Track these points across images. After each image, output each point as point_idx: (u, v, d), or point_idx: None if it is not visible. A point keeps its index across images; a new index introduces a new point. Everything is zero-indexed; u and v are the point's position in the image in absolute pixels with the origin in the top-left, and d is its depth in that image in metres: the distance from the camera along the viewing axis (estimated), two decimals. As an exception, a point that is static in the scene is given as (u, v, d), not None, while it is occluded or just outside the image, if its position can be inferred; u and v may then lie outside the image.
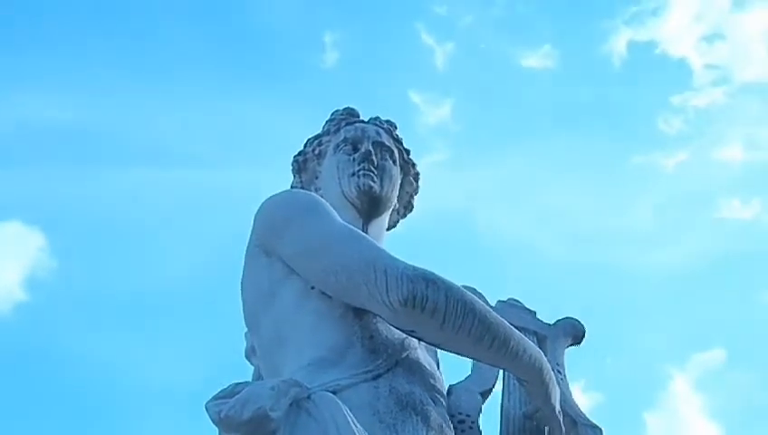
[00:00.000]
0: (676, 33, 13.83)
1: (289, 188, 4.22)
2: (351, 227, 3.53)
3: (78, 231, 13.03)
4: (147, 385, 12.27)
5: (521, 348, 3.33)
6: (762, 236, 13.27)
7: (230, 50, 14.03)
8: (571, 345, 4.02)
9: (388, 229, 4.14)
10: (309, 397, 3.00)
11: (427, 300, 3.13)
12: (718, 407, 12.99)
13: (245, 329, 3.83)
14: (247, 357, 3.98)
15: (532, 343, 3.42)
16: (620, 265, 12.72)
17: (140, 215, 12.87)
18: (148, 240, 12.91)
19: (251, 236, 3.66)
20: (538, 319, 4.05)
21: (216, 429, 3.07)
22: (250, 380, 3.87)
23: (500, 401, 3.78)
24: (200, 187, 12.52)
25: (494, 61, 14.08)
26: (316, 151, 4.18)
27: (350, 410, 2.96)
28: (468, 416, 3.60)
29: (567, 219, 12.60)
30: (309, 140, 4.27)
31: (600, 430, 3.68)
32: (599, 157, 13.29)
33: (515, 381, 3.68)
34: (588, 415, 3.79)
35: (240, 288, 3.69)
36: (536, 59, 13.86)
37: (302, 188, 4.16)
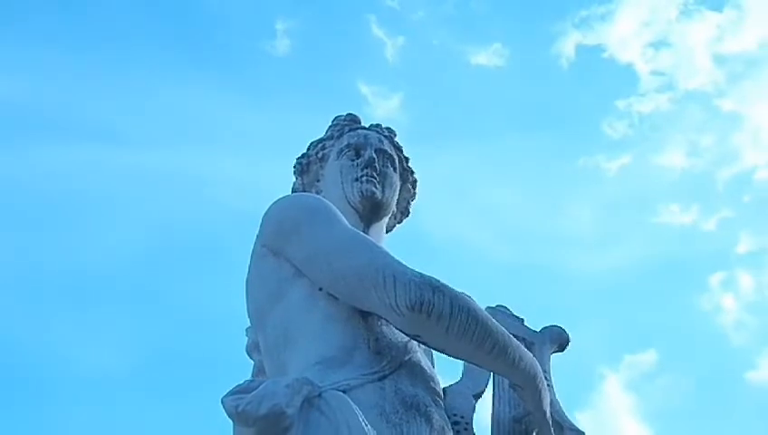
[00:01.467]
0: (623, 39, 14.10)
1: (290, 189, 4.36)
2: (361, 232, 3.68)
3: (9, 208, 12.84)
4: (77, 368, 12.20)
5: (517, 355, 3.49)
6: (699, 241, 13.67)
7: (180, 32, 13.98)
8: (556, 352, 4.20)
9: (385, 233, 4.27)
10: (320, 395, 3.14)
11: (433, 306, 3.28)
12: (648, 408, 13.31)
13: (248, 325, 3.95)
14: (248, 353, 4.08)
15: (527, 351, 3.58)
16: (559, 266, 12.94)
17: (77, 194, 12.73)
18: (83, 220, 12.78)
19: (258, 236, 3.78)
20: (526, 326, 4.21)
21: (232, 423, 3.16)
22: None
23: (491, 405, 3.94)
24: (142, 168, 12.45)
25: (445, 57, 14.24)
26: (319, 155, 4.30)
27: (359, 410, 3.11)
28: (462, 417, 3.74)
29: (508, 218, 12.79)
30: (312, 143, 4.39)
31: (584, 434, 3.86)
32: (543, 157, 13.47)
33: (505, 386, 3.85)
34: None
35: (245, 286, 3.81)
36: (486, 57, 14.03)
37: (304, 189, 4.29)
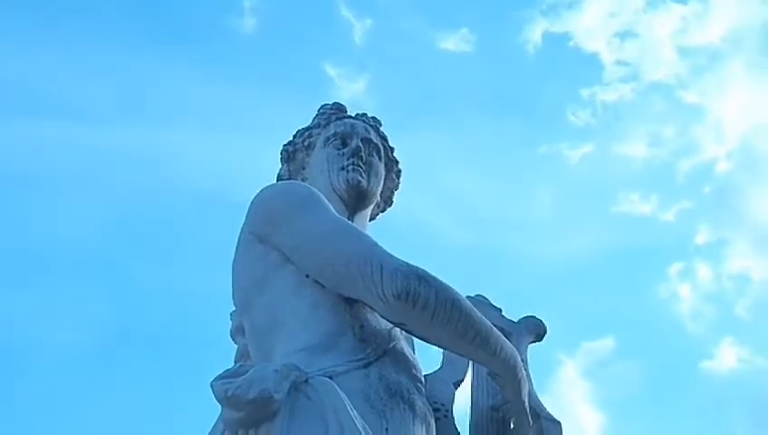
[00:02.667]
0: (590, 28, 14.15)
1: (276, 176, 4.41)
2: (349, 222, 3.74)
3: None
4: (39, 344, 12.13)
5: (499, 345, 3.58)
6: (657, 231, 13.80)
7: (145, 6, 13.80)
8: (533, 342, 4.29)
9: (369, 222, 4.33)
10: (307, 381, 3.20)
11: (419, 295, 3.36)
12: (604, 395, 13.46)
13: (233, 308, 4.00)
14: (232, 336, 4.12)
15: (507, 341, 3.67)
16: (519, 252, 13.00)
17: (37, 168, 12.57)
18: (44, 195, 12.64)
19: (245, 222, 3.83)
20: (503, 316, 4.30)
21: (220, 406, 3.20)
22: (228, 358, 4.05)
23: (470, 393, 4.02)
24: (103, 144, 12.33)
25: (412, 41, 14.22)
26: (306, 143, 4.35)
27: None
28: (443, 405, 3.84)
29: (470, 203, 12.82)
30: (299, 131, 4.44)
31: (560, 423, 3.96)
32: (506, 143, 13.50)
33: (484, 374, 3.93)
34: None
35: (232, 271, 3.85)
36: (453, 42, 14.01)
37: (290, 177, 4.34)
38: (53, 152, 12.49)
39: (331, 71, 13.65)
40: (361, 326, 3.56)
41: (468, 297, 4.22)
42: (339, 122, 4.34)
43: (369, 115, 4.49)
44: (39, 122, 12.41)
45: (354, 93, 13.15)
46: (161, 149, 12.39)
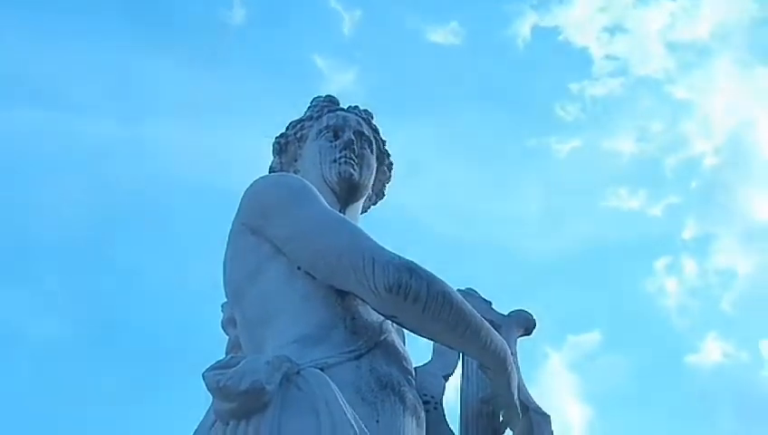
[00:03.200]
0: (579, 22, 14.17)
1: (268, 168, 4.41)
2: (341, 214, 3.76)
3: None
4: (21, 335, 12.13)
5: (489, 338, 3.60)
6: (645, 226, 13.85)
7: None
8: (523, 336, 4.31)
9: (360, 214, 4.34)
10: (299, 372, 3.22)
11: (410, 288, 3.38)
12: (590, 388, 13.50)
13: (224, 300, 4.01)
14: (223, 327, 4.14)
15: (498, 334, 3.70)
16: (506, 245, 13.01)
17: (21, 158, 12.51)
18: (30, 185, 12.59)
19: (237, 214, 3.84)
20: (493, 309, 4.31)
21: (211, 397, 3.21)
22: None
23: (460, 386, 4.04)
24: (91, 134, 12.29)
25: (401, 33, 14.21)
26: (298, 135, 4.36)
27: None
28: (433, 398, 3.86)
29: (457, 197, 12.84)
30: (291, 123, 4.45)
31: (549, 416, 3.98)
32: (494, 137, 13.47)
33: (474, 367, 3.96)
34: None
35: (223, 262, 3.87)
36: (442, 35, 14.01)
37: (282, 169, 4.36)
38: (39, 142, 12.45)
39: (320, 62, 13.63)
40: (353, 318, 3.57)
41: (458, 290, 4.26)
42: (331, 115, 4.35)
43: (362, 108, 4.50)
44: (24, 112, 12.37)
45: (343, 85, 13.15)
46: (149, 139, 12.37)
